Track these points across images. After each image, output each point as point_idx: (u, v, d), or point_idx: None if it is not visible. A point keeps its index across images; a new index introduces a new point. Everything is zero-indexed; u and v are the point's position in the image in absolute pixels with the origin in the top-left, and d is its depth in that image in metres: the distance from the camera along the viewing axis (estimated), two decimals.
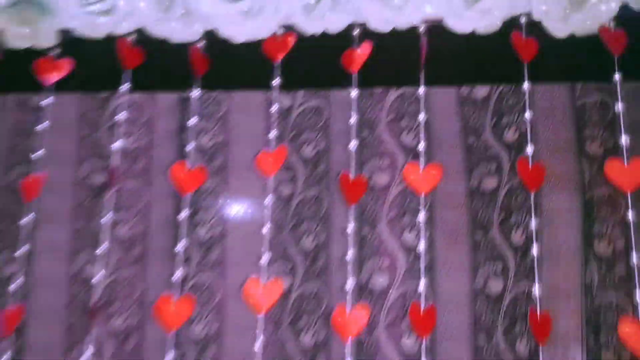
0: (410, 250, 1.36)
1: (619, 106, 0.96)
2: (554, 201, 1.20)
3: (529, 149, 0.94)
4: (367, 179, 1.36)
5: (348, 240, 0.89)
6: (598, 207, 1.21)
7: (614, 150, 1.29)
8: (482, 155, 1.29)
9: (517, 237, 1.29)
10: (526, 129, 1.21)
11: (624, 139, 0.90)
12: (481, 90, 1.30)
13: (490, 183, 1.29)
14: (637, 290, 0.80)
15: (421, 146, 0.90)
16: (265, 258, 0.86)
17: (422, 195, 0.89)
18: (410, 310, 0.89)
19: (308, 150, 1.40)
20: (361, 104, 1.37)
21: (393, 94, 1.35)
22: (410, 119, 1.35)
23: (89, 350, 1.01)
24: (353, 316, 0.84)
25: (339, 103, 1.41)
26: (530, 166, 0.98)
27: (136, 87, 1.04)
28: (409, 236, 1.37)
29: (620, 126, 0.95)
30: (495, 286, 1.30)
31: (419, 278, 0.88)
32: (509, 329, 1.29)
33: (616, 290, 1.20)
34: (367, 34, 0.92)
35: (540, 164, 0.99)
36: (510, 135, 1.28)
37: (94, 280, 1.02)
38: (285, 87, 1.02)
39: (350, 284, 0.84)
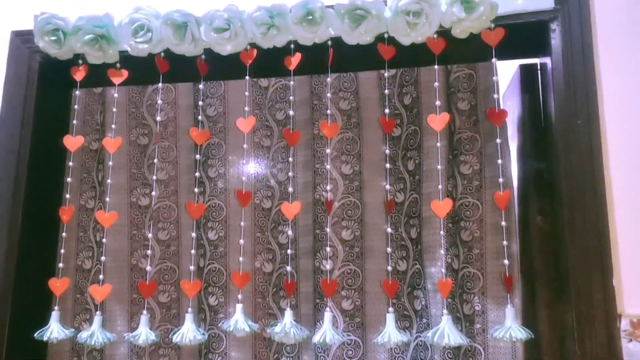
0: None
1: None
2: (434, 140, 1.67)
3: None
4: None
5: None
6: (460, 143, 1.79)
7: (475, 107, 1.86)
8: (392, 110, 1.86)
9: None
10: (418, 96, 1.81)
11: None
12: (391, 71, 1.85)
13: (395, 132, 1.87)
14: None
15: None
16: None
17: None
18: None
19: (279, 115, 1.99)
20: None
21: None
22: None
23: None
24: None
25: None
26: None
27: (164, 81, 1.56)
28: None
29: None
30: None
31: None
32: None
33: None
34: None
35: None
36: (406, 99, 1.87)
37: (151, 207, 1.66)
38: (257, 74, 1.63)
39: None
